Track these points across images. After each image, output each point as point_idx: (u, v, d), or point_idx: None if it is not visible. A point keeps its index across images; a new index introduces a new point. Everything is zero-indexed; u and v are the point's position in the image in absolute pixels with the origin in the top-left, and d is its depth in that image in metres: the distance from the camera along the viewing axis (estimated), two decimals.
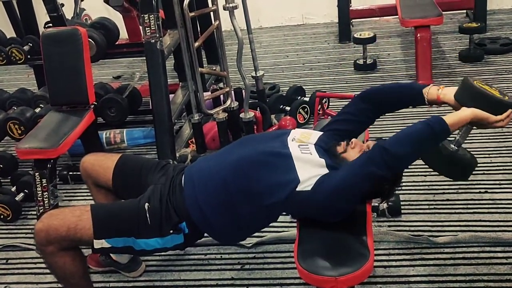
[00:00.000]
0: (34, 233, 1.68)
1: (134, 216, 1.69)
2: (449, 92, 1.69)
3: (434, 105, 1.75)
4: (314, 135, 1.77)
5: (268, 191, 1.61)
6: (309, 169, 1.60)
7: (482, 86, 1.62)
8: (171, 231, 1.68)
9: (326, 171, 1.61)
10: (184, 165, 1.90)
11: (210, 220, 1.68)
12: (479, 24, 4.01)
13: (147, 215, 1.68)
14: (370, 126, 1.88)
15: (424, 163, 1.73)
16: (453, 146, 1.65)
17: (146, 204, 1.69)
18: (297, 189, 1.58)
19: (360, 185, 1.55)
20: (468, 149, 2.75)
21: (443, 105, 1.73)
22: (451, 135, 1.58)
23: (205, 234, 1.78)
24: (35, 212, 2.58)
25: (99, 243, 1.68)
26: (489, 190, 2.44)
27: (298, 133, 1.77)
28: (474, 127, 1.64)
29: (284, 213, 1.72)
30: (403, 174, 1.74)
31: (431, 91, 1.72)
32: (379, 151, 1.50)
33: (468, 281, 1.96)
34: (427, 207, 2.39)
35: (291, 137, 1.74)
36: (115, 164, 1.92)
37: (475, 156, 2.68)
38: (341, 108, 1.91)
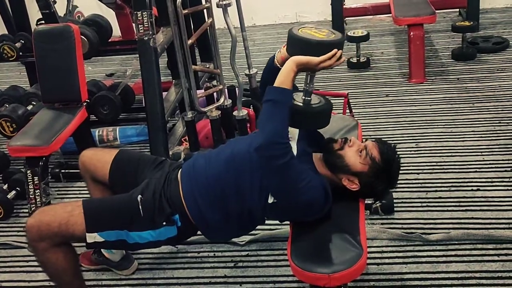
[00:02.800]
0: (25, 230, 1.67)
1: (126, 209, 1.70)
2: (285, 49, 1.66)
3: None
4: (295, 132, 1.77)
5: (250, 192, 1.64)
6: None
7: (307, 32, 1.57)
8: (164, 223, 1.68)
9: None
10: (181, 163, 1.90)
11: (204, 214, 1.69)
12: (471, 22, 4.03)
13: (140, 207, 1.68)
14: (364, 125, 1.88)
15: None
16: (304, 98, 1.62)
17: (139, 196, 1.70)
18: (269, 201, 1.62)
19: (285, 181, 1.53)
20: (460, 147, 2.80)
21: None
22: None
23: (198, 232, 1.78)
24: (27, 210, 2.56)
25: (91, 237, 1.67)
26: (481, 188, 2.45)
27: None
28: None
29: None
30: None
31: (277, 57, 1.71)
32: (257, 154, 1.52)
33: (460, 278, 1.97)
34: (419, 205, 2.40)
35: None
36: (113, 159, 1.92)
37: (469, 153, 2.73)
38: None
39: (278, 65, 1.69)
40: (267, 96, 1.54)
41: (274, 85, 1.54)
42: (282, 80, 1.54)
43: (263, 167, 1.56)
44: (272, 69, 1.71)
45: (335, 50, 1.54)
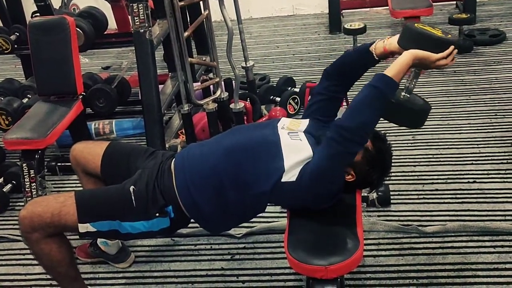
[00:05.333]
0: (18, 221, 1.67)
1: (119, 199, 1.69)
2: (393, 41, 1.66)
3: (384, 59, 1.73)
4: (303, 123, 1.78)
5: (254, 179, 1.62)
6: (296, 155, 1.61)
7: (423, 28, 1.58)
8: (157, 214, 1.68)
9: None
10: (173, 152, 1.90)
11: (199, 205, 1.68)
12: (468, 15, 4.02)
13: (133, 197, 1.68)
14: None
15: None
16: (404, 94, 1.62)
17: (132, 187, 1.69)
18: (282, 180, 1.60)
19: (332, 166, 1.56)
20: (457, 140, 2.80)
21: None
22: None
23: (193, 224, 1.78)
24: (23, 203, 2.56)
25: (84, 227, 1.67)
26: (477, 180, 2.46)
27: (287, 121, 1.78)
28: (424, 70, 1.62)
29: (270, 204, 1.73)
30: (392, 164, 1.75)
31: (378, 46, 1.70)
32: (336, 130, 1.52)
33: (456, 270, 1.97)
34: (416, 197, 2.40)
35: (280, 124, 1.75)
36: (104, 151, 1.91)
37: (465, 146, 2.73)
38: None
39: (374, 53, 1.69)
40: (377, 81, 1.52)
41: (387, 73, 1.52)
42: (396, 72, 1.52)
43: (326, 145, 1.54)
44: (362, 54, 1.72)
45: (452, 47, 1.54)
